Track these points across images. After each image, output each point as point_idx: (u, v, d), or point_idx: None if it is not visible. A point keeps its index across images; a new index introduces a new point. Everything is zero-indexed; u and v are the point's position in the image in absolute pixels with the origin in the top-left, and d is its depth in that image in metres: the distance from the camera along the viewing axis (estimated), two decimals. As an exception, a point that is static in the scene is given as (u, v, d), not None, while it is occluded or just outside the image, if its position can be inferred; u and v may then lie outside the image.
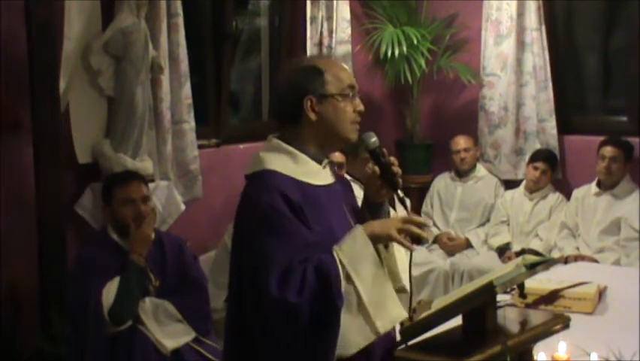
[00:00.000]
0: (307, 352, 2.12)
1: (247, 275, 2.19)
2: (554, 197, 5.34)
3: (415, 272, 5.22)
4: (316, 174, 2.30)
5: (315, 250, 2.15)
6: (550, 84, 5.47)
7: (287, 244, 2.14)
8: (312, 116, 2.27)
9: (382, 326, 2.16)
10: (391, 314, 2.19)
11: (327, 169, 2.36)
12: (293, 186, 2.23)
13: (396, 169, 2.31)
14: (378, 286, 2.18)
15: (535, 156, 5.35)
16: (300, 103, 2.27)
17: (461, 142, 5.58)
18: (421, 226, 2.21)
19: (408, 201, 5.41)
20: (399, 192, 2.29)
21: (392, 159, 2.31)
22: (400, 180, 2.31)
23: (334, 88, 2.29)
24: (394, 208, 2.40)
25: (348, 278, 2.13)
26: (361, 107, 2.34)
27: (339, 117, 2.29)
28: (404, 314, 2.23)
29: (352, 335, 2.13)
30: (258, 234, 2.18)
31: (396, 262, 2.32)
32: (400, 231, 2.18)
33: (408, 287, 2.32)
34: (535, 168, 5.32)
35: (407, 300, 2.34)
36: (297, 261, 2.12)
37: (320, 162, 2.32)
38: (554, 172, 5.39)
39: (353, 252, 2.16)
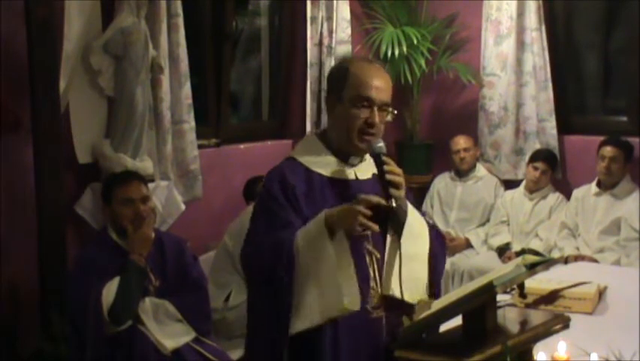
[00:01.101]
0: (266, 320, 2.25)
1: None
2: (554, 197, 5.34)
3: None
4: (329, 166, 2.37)
5: (293, 230, 2.25)
6: (550, 84, 5.47)
7: (267, 222, 2.29)
8: (330, 114, 2.40)
9: (321, 314, 2.20)
10: (331, 302, 2.20)
11: (361, 166, 2.40)
12: (301, 173, 2.35)
13: (394, 178, 2.28)
14: (324, 271, 2.21)
15: (535, 156, 5.35)
16: (325, 101, 2.44)
17: (461, 142, 5.58)
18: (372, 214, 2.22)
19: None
20: (392, 202, 2.27)
21: (390, 168, 2.30)
22: (397, 191, 2.28)
23: (349, 94, 2.34)
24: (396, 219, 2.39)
25: (299, 256, 2.22)
26: (372, 120, 2.33)
27: (346, 123, 2.35)
28: (342, 305, 2.20)
29: (307, 305, 2.21)
30: (252, 215, 2.38)
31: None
32: (355, 223, 2.20)
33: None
34: (535, 169, 5.31)
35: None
36: (266, 236, 2.26)
37: (345, 158, 2.39)
38: (554, 172, 5.39)
39: (308, 234, 2.24)
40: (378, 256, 2.36)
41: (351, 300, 2.22)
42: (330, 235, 2.22)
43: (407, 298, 2.34)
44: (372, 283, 2.34)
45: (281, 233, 2.26)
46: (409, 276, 2.34)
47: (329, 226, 2.22)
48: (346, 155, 2.41)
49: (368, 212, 2.20)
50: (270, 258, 2.24)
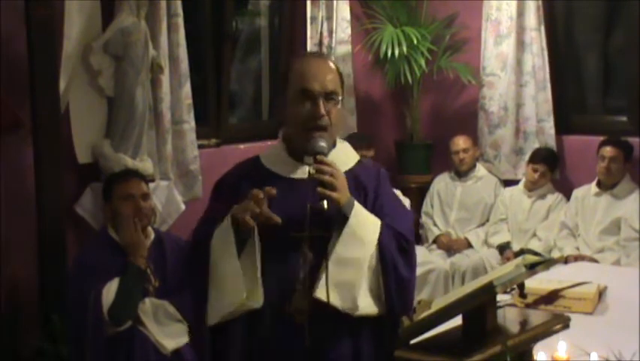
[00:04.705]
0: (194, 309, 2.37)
1: None
2: (553, 196, 5.34)
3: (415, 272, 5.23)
4: (281, 166, 2.35)
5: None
6: (548, 84, 5.46)
7: (206, 216, 2.39)
8: (283, 117, 2.36)
9: (211, 316, 2.26)
10: (228, 298, 2.21)
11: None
12: (255, 171, 2.36)
13: (322, 177, 2.21)
14: (223, 271, 2.23)
15: (535, 157, 5.34)
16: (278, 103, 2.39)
17: (460, 143, 5.57)
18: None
19: (408, 202, 5.44)
20: (323, 203, 2.20)
21: (321, 167, 2.22)
22: (326, 191, 2.20)
23: (291, 90, 2.30)
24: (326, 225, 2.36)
25: (213, 252, 2.26)
26: (316, 111, 2.27)
27: (292, 120, 2.31)
28: (239, 300, 2.20)
29: (210, 305, 2.26)
30: None
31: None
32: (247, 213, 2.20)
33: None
34: (535, 170, 5.31)
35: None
36: (198, 231, 2.35)
37: (300, 158, 2.32)
38: (554, 173, 5.38)
39: (219, 229, 2.27)
40: (313, 258, 2.27)
41: (253, 297, 2.21)
42: (239, 230, 2.22)
43: (334, 301, 2.21)
44: (299, 286, 2.26)
45: (209, 229, 2.31)
46: (338, 280, 2.22)
47: (237, 222, 2.22)
48: (301, 154, 2.34)
49: (256, 208, 2.18)
50: (191, 252, 2.36)
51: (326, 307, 2.21)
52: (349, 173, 2.36)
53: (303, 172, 2.32)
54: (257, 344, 2.29)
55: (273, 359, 2.29)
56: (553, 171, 5.36)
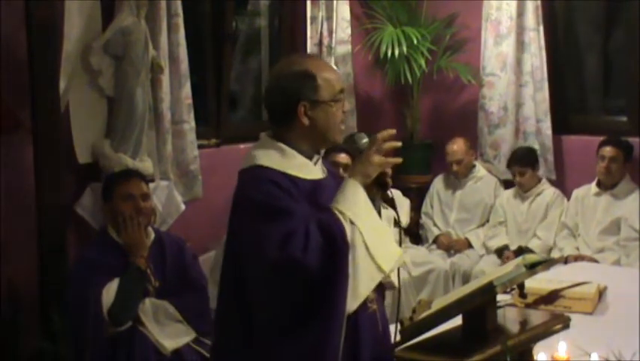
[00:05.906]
0: (318, 307, 2.15)
1: (250, 264, 2.23)
2: (550, 192, 5.31)
3: (415, 272, 5.23)
4: (305, 168, 2.33)
5: (313, 216, 2.21)
6: (546, 84, 5.45)
7: (285, 219, 2.18)
8: (305, 120, 2.30)
9: (387, 265, 2.23)
10: (390, 252, 2.26)
11: (318, 164, 2.39)
12: (283, 179, 2.27)
13: (388, 170, 2.32)
14: (377, 227, 2.26)
15: (509, 161, 5.33)
16: (292, 108, 2.30)
17: (452, 151, 5.50)
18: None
19: (408, 202, 5.44)
20: (388, 192, 2.30)
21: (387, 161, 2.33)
22: (390, 181, 2.33)
23: (327, 93, 2.31)
24: (394, 208, 2.41)
25: (352, 223, 2.20)
26: (347, 107, 2.41)
27: (330, 122, 2.33)
28: (399, 250, 2.30)
29: (361, 278, 2.19)
30: (256, 224, 2.21)
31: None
32: (377, 154, 2.30)
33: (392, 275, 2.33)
34: (513, 175, 5.30)
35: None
36: (297, 227, 2.17)
37: (310, 158, 2.36)
38: (535, 169, 5.34)
39: (346, 199, 2.23)
40: None
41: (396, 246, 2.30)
42: None
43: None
44: None
45: (315, 217, 2.20)
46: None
47: (362, 182, 2.27)
48: (310, 155, 2.36)
49: (397, 144, 2.34)
50: (324, 240, 2.16)
51: (380, 290, 2.35)
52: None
53: (318, 171, 2.37)
54: (348, 340, 2.25)
55: (364, 352, 2.29)
56: (534, 168, 5.32)
